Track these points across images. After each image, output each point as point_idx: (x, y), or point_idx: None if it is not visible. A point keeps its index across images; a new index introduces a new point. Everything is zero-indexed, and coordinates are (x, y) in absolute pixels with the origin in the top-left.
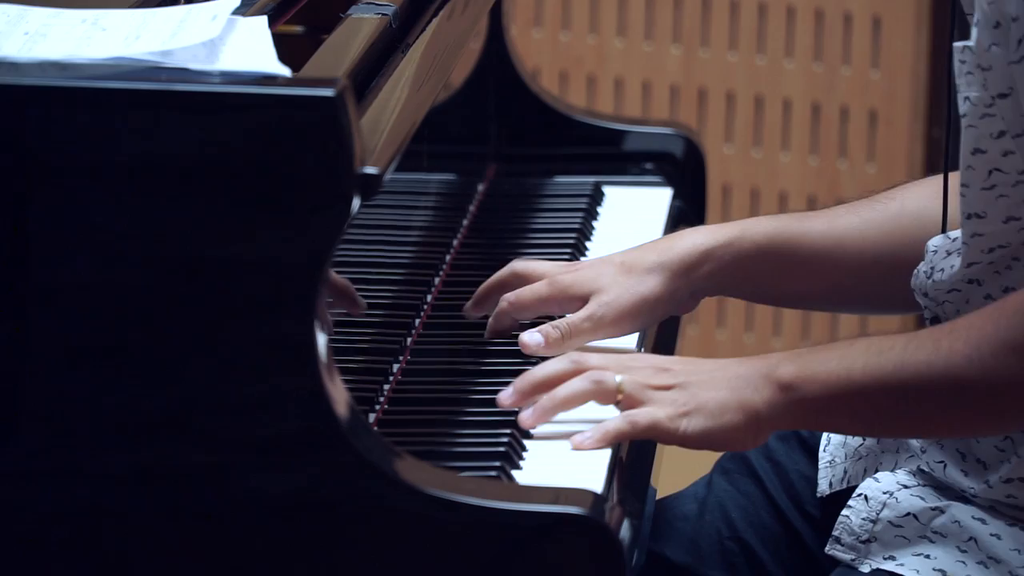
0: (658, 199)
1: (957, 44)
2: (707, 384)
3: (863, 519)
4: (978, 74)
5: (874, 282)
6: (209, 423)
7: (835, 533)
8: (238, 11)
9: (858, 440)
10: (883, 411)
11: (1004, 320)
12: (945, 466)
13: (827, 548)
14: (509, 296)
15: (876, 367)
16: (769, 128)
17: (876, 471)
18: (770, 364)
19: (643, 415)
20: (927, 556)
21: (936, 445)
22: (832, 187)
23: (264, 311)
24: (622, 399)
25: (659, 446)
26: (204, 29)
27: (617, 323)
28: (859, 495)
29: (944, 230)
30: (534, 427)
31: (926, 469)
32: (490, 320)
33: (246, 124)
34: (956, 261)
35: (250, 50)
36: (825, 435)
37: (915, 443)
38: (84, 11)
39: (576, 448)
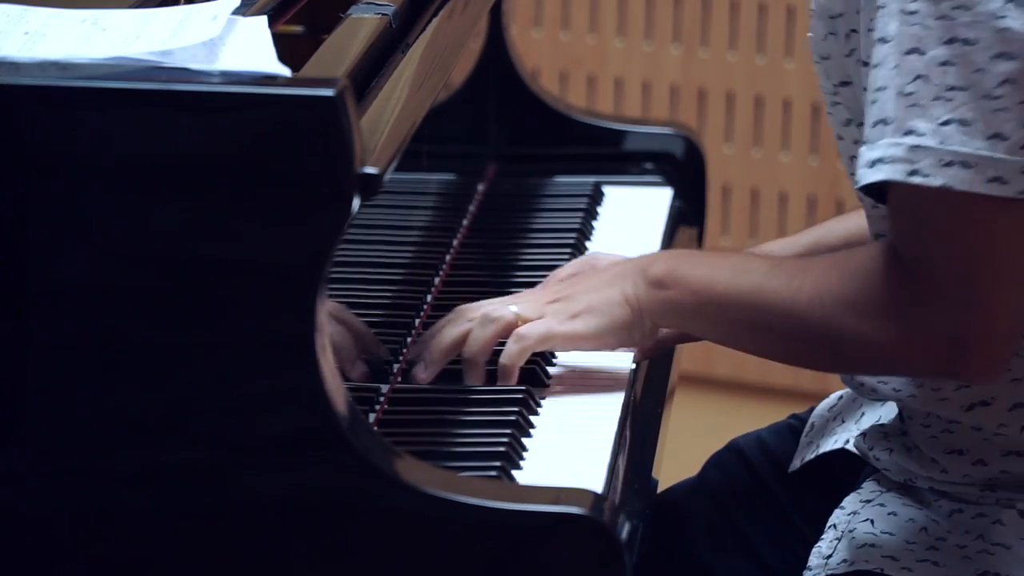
0: (658, 199)
1: (808, 34)
2: (592, 288)
3: (830, 542)
4: (822, 63)
5: None
6: (209, 423)
7: (809, 563)
8: (238, 11)
9: (836, 422)
10: (736, 326)
11: (847, 277)
12: (891, 451)
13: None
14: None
15: (735, 285)
16: (769, 128)
17: (848, 442)
18: (646, 261)
19: (534, 328)
20: (880, 546)
21: (884, 438)
22: (832, 187)
23: (264, 311)
24: (521, 324)
25: (659, 442)
26: (204, 29)
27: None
28: (830, 526)
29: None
30: (478, 383)
31: (876, 465)
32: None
33: (246, 124)
34: None
35: (250, 50)
36: (808, 422)
37: (863, 445)
38: (84, 11)
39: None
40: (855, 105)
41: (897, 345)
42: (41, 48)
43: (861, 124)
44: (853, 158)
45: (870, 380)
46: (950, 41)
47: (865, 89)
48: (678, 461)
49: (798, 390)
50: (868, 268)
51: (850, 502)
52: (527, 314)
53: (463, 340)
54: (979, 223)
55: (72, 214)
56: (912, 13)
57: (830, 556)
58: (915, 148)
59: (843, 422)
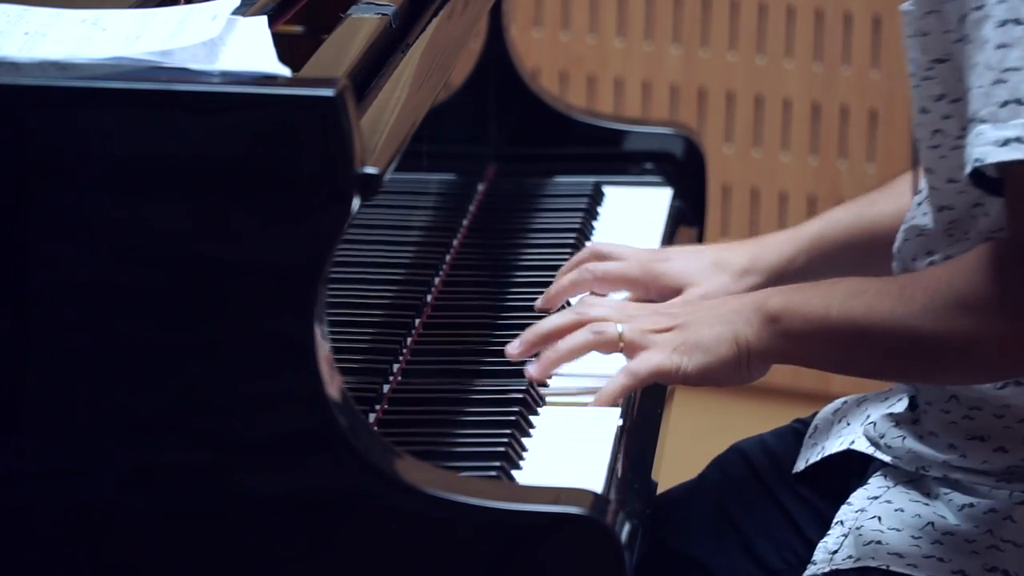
0: (658, 199)
1: (902, 6)
2: (704, 320)
3: (837, 538)
4: (918, 38)
5: None
6: (209, 423)
7: (813, 558)
8: (238, 11)
9: (840, 424)
10: (851, 351)
11: (958, 276)
12: (904, 438)
13: (806, 572)
14: (595, 267)
15: (849, 308)
16: (769, 128)
17: (853, 443)
18: (762, 297)
19: (642, 364)
20: (886, 543)
21: (894, 426)
22: (832, 187)
23: (264, 311)
24: (623, 346)
25: (659, 442)
26: (204, 29)
27: None
28: (837, 522)
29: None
30: (541, 379)
31: (887, 455)
32: (549, 291)
33: (246, 124)
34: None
35: (250, 50)
36: (812, 424)
37: (872, 433)
38: (84, 11)
39: (594, 404)
40: (951, 81)
41: (1010, 341)
42: (41, 48)
43: (956, 100)
44: (937, 131)
45: None
46: None
47: (971, 67)
48: (678, 462)
49: (799, 390)
50: (981, 263)
51: (858, 498)
52: (632, 338)
53: (566, 330)
54: None
55: (72, 214)
56: None
57: (835, 552)
58: None
59: (848, 424)
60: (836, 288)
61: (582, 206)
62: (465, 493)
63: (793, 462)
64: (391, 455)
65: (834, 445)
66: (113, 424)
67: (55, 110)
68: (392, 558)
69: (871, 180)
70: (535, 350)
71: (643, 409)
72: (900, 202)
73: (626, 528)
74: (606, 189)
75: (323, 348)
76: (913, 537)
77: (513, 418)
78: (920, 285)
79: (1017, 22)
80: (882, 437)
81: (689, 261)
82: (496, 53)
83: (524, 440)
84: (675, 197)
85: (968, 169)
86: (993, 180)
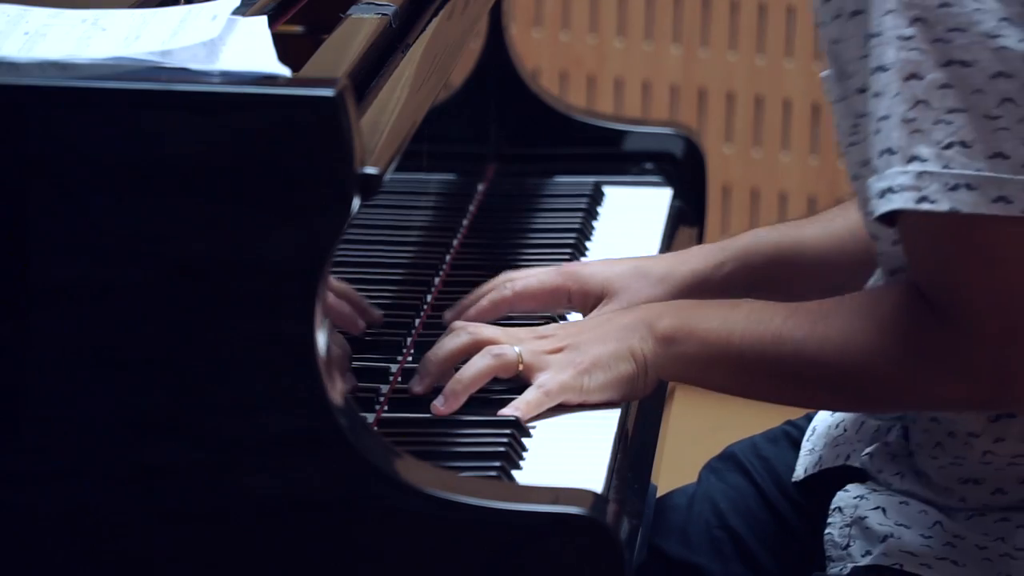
0: (658, 199)
1: (822, 73)
2: (596, 340)
3: (841, 528)
4: (840, 103)
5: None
6: (209, 423)
7: (827, 554)
8: (238, 11)
9: (838, 430)
10: (757, 377)
11: (876, 324)
12: (902, 476)
13: (827, 569)
14: (513, 283)
15: (755, 335)
16: (769, 128)
17: (848, 457)
18: (651, 315)
19: (552, 383)
20: (898, 538)
21: (891, 460)
22: (832, 187)
23: (264, 311)
24: (523, 368)
25: (658, 445)
26: (204, 29)
27: None
28: (835, 508)
29: None
30: (449, 413)
31: (885, 490)
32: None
33: (246, 124)
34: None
35: (250, 50)
36: (811, 426)
37: (870, 466)
38: (84, 11)
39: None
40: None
41: (939, 387)
42: (41, 48)
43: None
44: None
45: None
46: (947, 64)
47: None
48: (673, 465)
49: None
50: (896, 315)
51: (854, 486)
52: (531, 360)
53: (461, 354)
54: (991, 247)
55: (72, 214)
56: (908, 39)
57: (847, 547)
58: (921, 175)
59: (844, 431)
60: (737, 312)
61: (582, 206)
62: (465, 493)
63: (786, 466)
64: (391, 455)
65: (831, 457)
66: (113, 424)
67: (55, 110)
68: (392, 558)
69: None
70: (438, 381)
71: (643, 409)
72: (830, 228)
73: (626, 528)
74: (606, 189)
75: (323, 348)
76: (923, 536)
77: (513, 418)
78: (834, 326)
79: (882, 68)
80: (880, 472)
81: (610, 267)
82: (496, 53)
83: (524, 440)
84: (675, 197)
85: (866, 219)
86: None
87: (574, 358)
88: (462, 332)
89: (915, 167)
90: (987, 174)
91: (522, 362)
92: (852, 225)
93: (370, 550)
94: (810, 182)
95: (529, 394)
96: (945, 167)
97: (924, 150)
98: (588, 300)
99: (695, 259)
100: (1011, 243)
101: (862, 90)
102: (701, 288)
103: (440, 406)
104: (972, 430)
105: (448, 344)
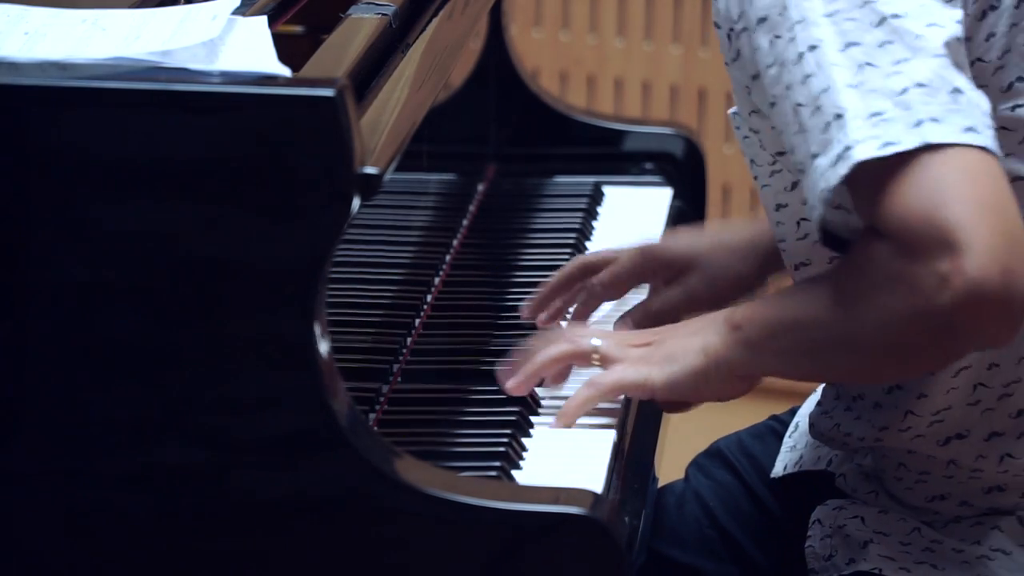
0: (658, 199)
1: (729, 111)
2: (678, 334)
3: (822, 539)
4: (753, 137)
5: None
6: (209, 423)
7: (810, 566)
8: (238, 11)
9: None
10: (800, 353)
11: (875, 256)
12: (877, 495)
13: None
14: (601, 278)
15: (799, 311)
16: None
17: (830, 463)
18: (732, 308)
19: (607, 376)
20: (877, 543)
21: (864, 479)
22: None
23: (264, 311)
24: (598, 358)
25: (658, 445)
26: (204, 29)
27: (713, 302)
28: (814, 521)
29: None
30: (522, 393)
31: (861, 505)
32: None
33: (246, 124)
34: None
35: (250, 50)
36: (794, 422)
37: (844, 485)
38: (84, 11)
39: (555, 426)
40: (792, 167)
41: (954, 271)
42: (41, 48)
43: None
44: (803, 220)
45: (835, 432)
46: (880, 22)
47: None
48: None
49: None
50: (860, 256)
51: (833, 500)
52: (607, 351)
53: (560, 361)
54: (964, 169)
55: (72, 214)
56: (834, 13)
57: (830, 557)
58: (880, 123)
59: None
60: (794, 292)
61: (582, 206)
62: (465, 493)
63: (772, 461)
64: (391, 455)
65: (811, 458)
66: (113, 424)
67: (55, 110)
68: (392, 558)
69: None
70: (536, 382)
71: (643, 409)
72: None
73: (626, 528)
74: (606, 189)
75: (323, 348)
76: (902, 543)
77: (513, 418)
78: (837, 284)
79: (813, 48)
80: (854, 491)
81: (691, 240)
82: (496, 53)
83: (524, 440)
84: (675, 197)
85: (816, 215)
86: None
87: (647, 352)
88: (550, 335)
89: (873, 121)
90: (952, 106)
91: (598, 352)
92: None
93: (370, 550)
94: None
95: (578, 393)
96: (906, 110)
97: (880, 104)
98: (671, 274)
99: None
100: (983, 169)
101: (773, 103)
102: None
103: (510, 383)
104: (930, 453)
105: (534, 342)
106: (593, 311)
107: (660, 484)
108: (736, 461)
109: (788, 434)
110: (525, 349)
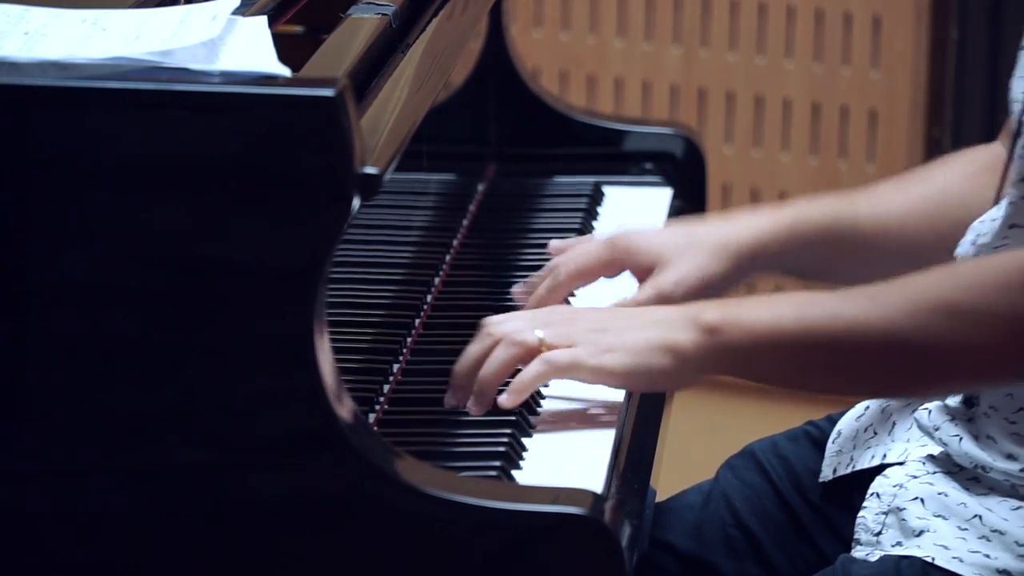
0: (658, 199)
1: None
2: (630, 327)
3: (876, 515)
4: None
5: (921, 263)
6: (209, 423)
7: (856, 536)
8: (238, 11)
9: (867, 434)
10: (811, 362)
11: (948, 283)
12: (960, 439)
13: (852, 551)
14: (567, 267)
15: (807, 317)
16: (769, 128)
17: (884, 457)
18: (696, 309)
19: (562, 354)
20: (933, 531)
21: (950, 420)
22: (832, 187)
23: (264, 311)
24: (546, 351)
25: (658, 445)
26: (204, 29)
27: (681, 301)
28: (872, 494)
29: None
30: (481, 414)
31: (940, 447)
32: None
33: (246, 124)
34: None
35: (250, 50)
36: (835, 429)
37: (926, 422)
38: (84, 11)
39: (502, 406)
40: None
41: (1012, 353)
42: (41, 48)
43: None
44: None
45: None
46: None
47: None
48: (684, 462)
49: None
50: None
51: (895, 473)
52: (553, 341)
53: (483, 357)
54: None
55: (72, 214)
56: None
57: (879, 533)
58: None
59: (875, 434)
60: (785, 299)
61: (582, 206)
62: (465, 493)
63: (805, 467)
64: (391, 455)
65: (865, 458)
66: (113, 424)
67: (55, 110)
68: (392, 558)
69: (871, 180)
70: (467, 389)
71: (643, 409)
72: (879, 210)
73: (626, 528)
74: (606, 189)
75: (323, 348)
76: (960, 528)
77: (513, 418)
78: (896, 290)
79: None
80: (936, 430)
81: (661, 235)
82: (496, 53)
83: (524, 440)
84: (675, 197)
85: None
86: None
87: (601, 339)
88: (484, 335)
89: None
90: None
91: (544, 345)
92: (900, 211)
93: (370, 550)
94: (810, 182)
95: (530, 367)
96: None
97: None
98: (639, 271)
99: (749, 228)
100: None
101: None
102: (754, 260)
103: (473, 410)
104: None
105: (470, 351)
106: (557, 302)
107: (683, 481)
108: (767, 463)
109: (831, 440)
110: (461, 366)
